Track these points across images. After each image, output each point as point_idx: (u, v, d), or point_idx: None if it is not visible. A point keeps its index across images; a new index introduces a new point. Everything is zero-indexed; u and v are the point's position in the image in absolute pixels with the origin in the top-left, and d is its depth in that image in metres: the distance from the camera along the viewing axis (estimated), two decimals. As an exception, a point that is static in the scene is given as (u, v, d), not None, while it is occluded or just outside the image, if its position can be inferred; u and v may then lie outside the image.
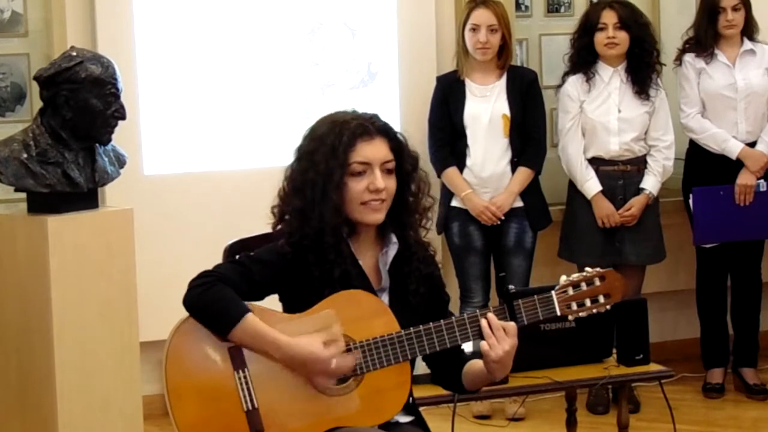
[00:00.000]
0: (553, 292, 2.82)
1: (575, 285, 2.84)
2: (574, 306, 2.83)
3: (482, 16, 4.99)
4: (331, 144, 2.79)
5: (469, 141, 5.04)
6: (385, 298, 2.87)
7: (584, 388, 4.55)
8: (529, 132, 5.07)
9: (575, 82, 5.13)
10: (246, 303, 2.77)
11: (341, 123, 2.82)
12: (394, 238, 2.88)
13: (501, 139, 5.03)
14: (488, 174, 5.03)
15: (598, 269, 2.86)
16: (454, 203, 5.09)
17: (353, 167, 2.79)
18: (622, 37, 5.06)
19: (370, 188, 2.80)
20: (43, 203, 3.87)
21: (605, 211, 5.08)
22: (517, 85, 5.07)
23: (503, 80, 5.07)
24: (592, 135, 5.12)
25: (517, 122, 5.03)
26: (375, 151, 2.81)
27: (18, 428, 3.96)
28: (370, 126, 2.82)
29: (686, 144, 5.31)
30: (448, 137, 5.08)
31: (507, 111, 5.03)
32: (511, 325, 2.77)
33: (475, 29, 5.00)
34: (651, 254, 5.20)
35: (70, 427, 3.85)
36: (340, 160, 2.78)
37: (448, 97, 5.08)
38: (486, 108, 5.03)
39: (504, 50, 5.04)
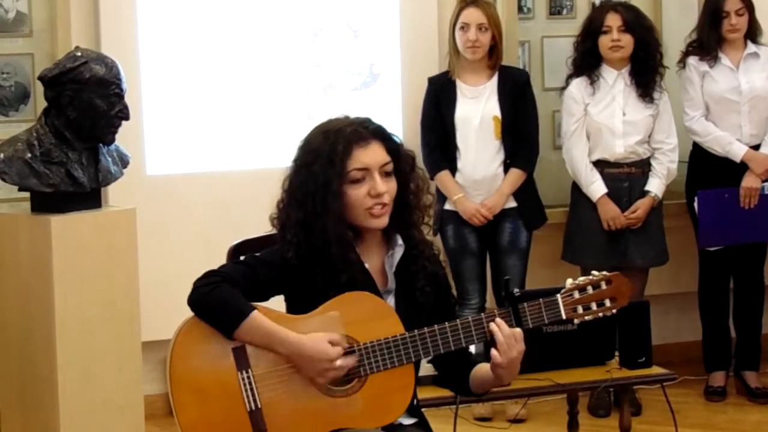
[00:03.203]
0: (558, 296, 2.81)
1: (581, 288, 2.82)
2: (580, 309, 2.82)
3: (472, 15, 4.99)
4: (327, 154, 2.77)
5: (460, 143, 5.01)
6: (390, 300, 2.87)
7: (586, 391, 4.55)
8: (522, 133, 5.05)
9: (579, 84, 5.12)
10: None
11: (335, 132, 2.80)
12: (399, 240, 2.87)
13: (492, 140, 5.00)
14: (480, 176, 5.00)
15: (604, 272, 2.85)
16: (448, 206, 5.06)
17: (352, 175, 2.78)
18: (627, 40, 5.05)
19: (371, 193, 2.79)
20: (47, 203, 3.88)
21: (611, 214, 5.08)
22: (509, 86, 5.04)
23: (494, 81, 5.05)
24: (597, 138, 5.11)
25: (508, 123, 5.01)
26: (372, 155, 2.80)
27: (20, 427, 3.97)
28: (363, 131, 2.81)
29: (690, 147, 5.30)
30: (440, 139, 5.04)
31: (498, 112, 5.00)
32: (518, 332, 2.77)
33: (464, 28, 4.99)
34: (655, 256, 5.19)
35: (71, 427, 3.85)
36: (338, 169, 2.76)
37: (440, 99, 5.06)
38: (476, 109, 5.01)
39: (494, 50, 5.03)
